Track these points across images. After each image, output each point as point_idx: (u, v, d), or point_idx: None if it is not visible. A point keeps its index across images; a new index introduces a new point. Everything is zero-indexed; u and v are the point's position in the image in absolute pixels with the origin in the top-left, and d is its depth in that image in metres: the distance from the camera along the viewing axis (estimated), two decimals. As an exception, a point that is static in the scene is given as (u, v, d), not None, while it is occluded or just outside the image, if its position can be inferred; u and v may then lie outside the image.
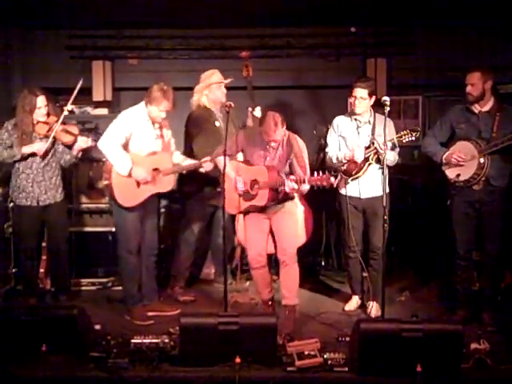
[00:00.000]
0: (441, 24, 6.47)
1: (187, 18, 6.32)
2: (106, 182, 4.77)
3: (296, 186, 4.20)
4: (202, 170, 4.78)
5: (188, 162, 4.84)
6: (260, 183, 4.39)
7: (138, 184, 4.62)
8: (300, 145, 4.47)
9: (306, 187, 4.30)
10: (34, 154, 4.84)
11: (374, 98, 4.70)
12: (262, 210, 4.49)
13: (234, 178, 4.49)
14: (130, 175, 4.58)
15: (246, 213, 4.59)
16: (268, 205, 4.44)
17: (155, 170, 4.65)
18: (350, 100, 4.74)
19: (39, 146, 4.82)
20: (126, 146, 4.64)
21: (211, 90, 5.21)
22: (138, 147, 4.67)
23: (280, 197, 4.43)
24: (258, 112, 5.32)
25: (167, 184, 4.72)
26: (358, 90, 4.64)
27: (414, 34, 6.71)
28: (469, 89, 4.50)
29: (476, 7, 5.77)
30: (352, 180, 4.73)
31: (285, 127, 4.38)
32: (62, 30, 6.70)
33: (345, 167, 4.75)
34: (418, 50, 6.73)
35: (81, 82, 4.92)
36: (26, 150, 4.81)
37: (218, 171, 4.60)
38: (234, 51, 6.52)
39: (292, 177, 4.26)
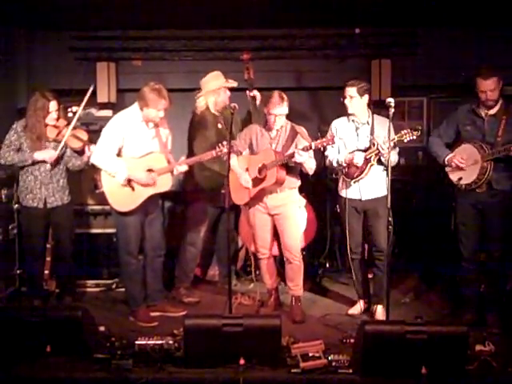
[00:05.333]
0: (445, 25, 6.46)
1: (191, 19, 6.33)
2: (100, 190, 4.78)
3: (304, 155, 4.45)
4: (175, 172, 4.71)
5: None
6: (268, 165, 4.60)
7: (133, 187, 4.61)
8: (304, 130, 4.73)
9: (312, 163, 4.63)
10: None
11: (366, 97, 4.71)
12: (270, 191, 4.71)
13: (240, 174, 4.75)
14: (129, 181, 4.58)
15: (251, 206, 4.84)
16: (278, 182, 4.61)
17: (149, 170, 4.61)
18: (345, 101, 4.76)
19: (51, 154, 4.84)
20: (121, 151, 4.64)
21: (219, 93, 5.22)
22: (133, 150, 4.64)
23: (286, 173, 4.63)
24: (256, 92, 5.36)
25: (164, 184, 4.66)
26: (347, 89, 4.71)
27: (419, 35, 6.71)
28: (489, 95, 4.41)
29: (481, 7, 5.78)
30: (354, 182, 4.72)
31: (287, 108, 4.67)
32: (66, 31, 6.71)
33: (346, 170, 4.74)
34: (423, 51, 6.72)
35: (91, 89, 4.95)
36: (38, 156, 4.83)
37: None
38: (237, 52, 6.51)
39: (299, 146, 4.53)
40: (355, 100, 4.69)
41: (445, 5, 5.79)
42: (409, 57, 6.77)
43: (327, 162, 4.89)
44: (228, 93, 5.26)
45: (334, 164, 4.80)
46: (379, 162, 4.64)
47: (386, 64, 6.74)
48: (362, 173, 4.66)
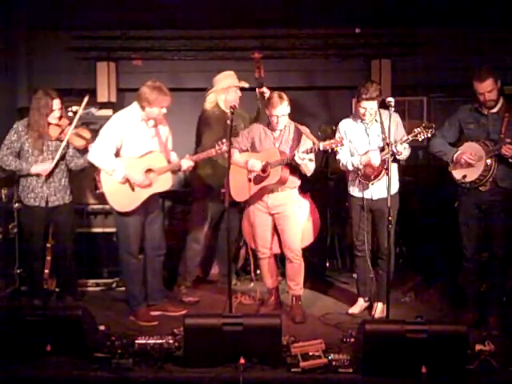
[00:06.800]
0: (445, 25, 6.47)
1: (191, 18, 6.34)
2: (100, 191, 4.78)
3: (305, 158, 4.46)
4: (183, 168, 4.69)
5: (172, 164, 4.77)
6: (271, 163, 4.60)
7: (133, 188, 4.60)
8: (307, 130, 4.72)
9: (312, 165, 4.64)
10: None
11: (380, 99, 4.64)
12: (271, 190, 4.71)
13: (246, 162, 4.70)
14: (126, 181, 4.57)
15: (251, 204, 4.82)
16: (282, 180, 4.61)
17: (148, 170, 4.60)
18: (360, 111, 4.63)
19: (46, 167, 4.85)
20: (119, 151, 4.64)
21: (230, 92, 5.22)
22: (132, 150, 4.63)
23: (290, 174, 4.64)
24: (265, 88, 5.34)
25: (164, 183, 4.65)
26: (367, 102, 4.57)
27: (419, 35, 6.72)
28: (488, 96, 4.38)
29: (481, 7, 5.79)
30: (372, 184, 4.66)
31: (289, 107, 4.63)
32: (67, 31, 6.72)
33: (363, 172, 4.68)
34: (423, 50, 6.73)
35: (86, 99, 4.98)
36: (35, 169, 4.85)
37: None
38: (238, 52, 6.53)
39: (304, 147, 4.51)
40: (374, 110, 4.62)
41: (445, 5, 5.80)
42: (409, 57, 6.79)
43: (340, 165, 4.83)
44: (239, 93, 5.26)
45: (350, 168, 4.74)
46: (394, 160, 4.56)
47: (386, 64, 6.75)
48: (379, 174, 4.60)
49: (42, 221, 4.98)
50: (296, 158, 4.46)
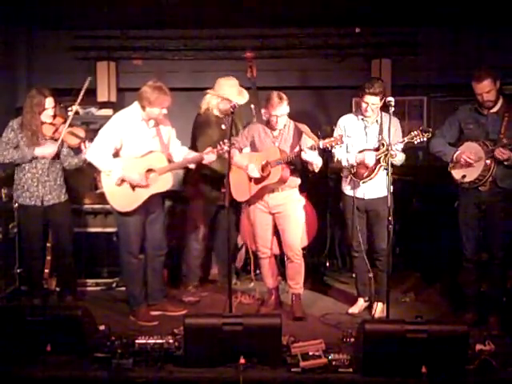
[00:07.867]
0: (445, 25, 6.47)
1: (191, 18, 6.33)
2: (100, 190, 4.78)
3: (312, 154, 4.45)
4: (204, 161, 4.70)
5: (191, 156, 4.79)
6: (272, 162, 4.60)
7: (134, 187, 4.60)
8: (306, 127, 4.73)
9: (319, 160, 4.58)
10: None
11: (384, 98, 4.61)
12: (272, 190, 4.72)
13: (246, 166, 4.70)
14: (122, 182, 4.56)
15: (251, 203, 4.83)
16: (282, 180, 4.61)
17: (149, 170, 4.60)
18: (362, 106, 4.65)
19: (51, 150, 4.84)
20: (119, 151, 4.63)
21: (223, 101, 5.19)
22: (133, 150, 4.62)
23: (291, 173, 4.65)
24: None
25: (165, 183, 4.64)
26: (370, 97, 4.57)
27: (419, 35, 6.72)
28: (486, 96, 4.39)
29: (481, 7, 5.78)
30: (363, 183, 4.66)
31: (288, 107, 4.63)
32: (67, 30, 6.72)
33: (355, 170, 4.68)
34: (423, 50, 6.73)
35: (87, 82, 4.95)
36: (39, 152, 4.83)
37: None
38: (237, 52, 6.52)
39: (306, 145, 4.51)
40: (376, 106, 4.61)
41: (445, 5, 5.79)
42: (409, 57, 6.78)
43: (335, 160, 4.84)
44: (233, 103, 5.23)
45: (344, 163, 4.75)
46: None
47: (386, 64, 6.76)
48: (371, 173, 4.61)
49: (38, 220, 4.97)
50: (304, 156, 4.45)
